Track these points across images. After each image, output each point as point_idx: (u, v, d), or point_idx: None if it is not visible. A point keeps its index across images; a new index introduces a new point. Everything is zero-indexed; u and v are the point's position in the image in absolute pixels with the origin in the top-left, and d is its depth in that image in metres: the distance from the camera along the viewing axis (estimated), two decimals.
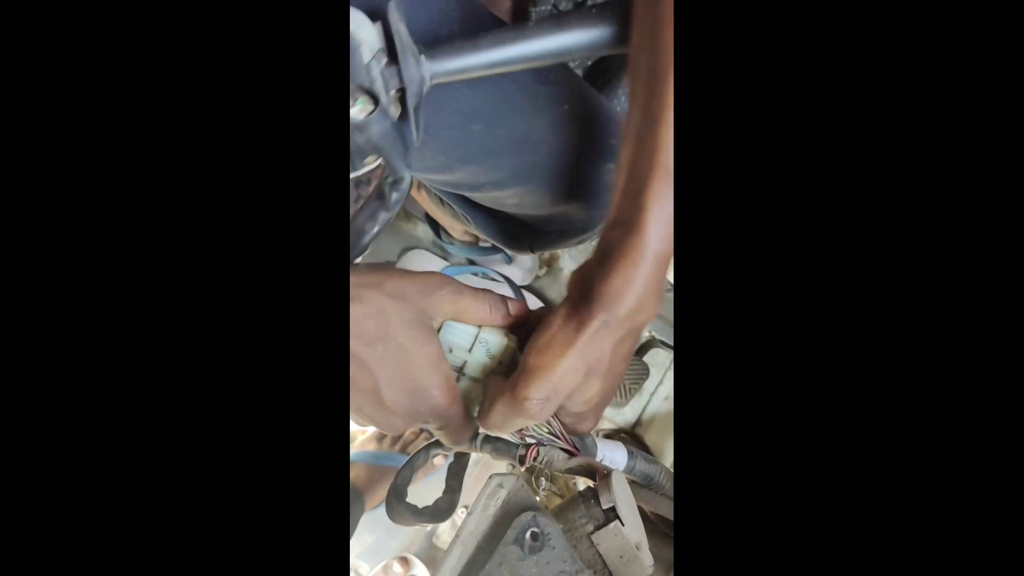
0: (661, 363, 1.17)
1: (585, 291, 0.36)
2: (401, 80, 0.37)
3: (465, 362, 0.41)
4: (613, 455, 0.44)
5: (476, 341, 0.41)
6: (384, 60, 0.36)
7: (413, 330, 0.37)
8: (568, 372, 0.36)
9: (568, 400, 0.38)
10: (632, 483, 0.53)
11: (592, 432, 0.44)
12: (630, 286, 0.34)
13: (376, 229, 0.39)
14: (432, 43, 0.39)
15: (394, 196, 0.38)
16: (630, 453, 0.46)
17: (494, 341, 0.41)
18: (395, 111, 0.39)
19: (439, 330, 0.41)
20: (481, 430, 0.42)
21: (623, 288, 0.34)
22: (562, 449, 0.42)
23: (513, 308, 0.41)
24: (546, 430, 0.41)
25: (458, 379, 0.41)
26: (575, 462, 0.42)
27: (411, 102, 0.38)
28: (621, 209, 0.36)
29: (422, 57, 0.38)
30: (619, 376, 0.40)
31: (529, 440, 0.41)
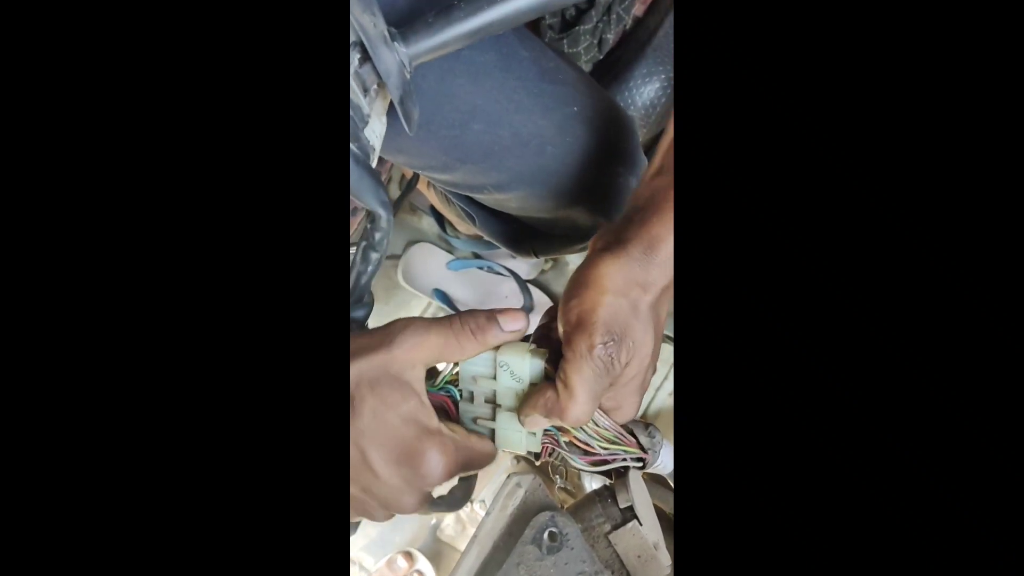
0: (666, 359, 1.17)
1: (619, 236, 0.34)
2: (378, 74, 0.35)
3: (495, 392, 0.38)
4: (668, 460, 0.43)
5: (496, 366, 0.37)
6: (358, 57, 0.34)
7: (383, 389, 0.33)
8: (616, 306, 0.33)
9: (632, 348, 0.34)
10: (659, 482, 0.52)
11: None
12: (671, 234, 0.32)
13: (371, 268, 0.37)
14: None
15: (377, 235, 0.36)
16: None
17: (515, 363, 0.36)
18: (382, 105, 0.38)
19: (446, 374, 0.38)
20: (570, 427, 0.37)
21: (664, 235, 0.33)
22: (636, 459, 0.39)
23: (508, 322, 0.36)
24: (618, 441, 0.38)
25: (494, 412, 0.38)
26: (602, 470, 0.42)
27: (395, 94, 0.36)
28: (669, 158, 0.34)
29: (396, 44, 0.35)
30: (659, 342, 0.36)
31: (601, 454, 0.38)
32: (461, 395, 0.39)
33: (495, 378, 0.37)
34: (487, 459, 0.38)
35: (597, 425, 0.38)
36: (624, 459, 0.39)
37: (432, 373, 0.39)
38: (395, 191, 1.12)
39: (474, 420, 0.39)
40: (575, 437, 0.38)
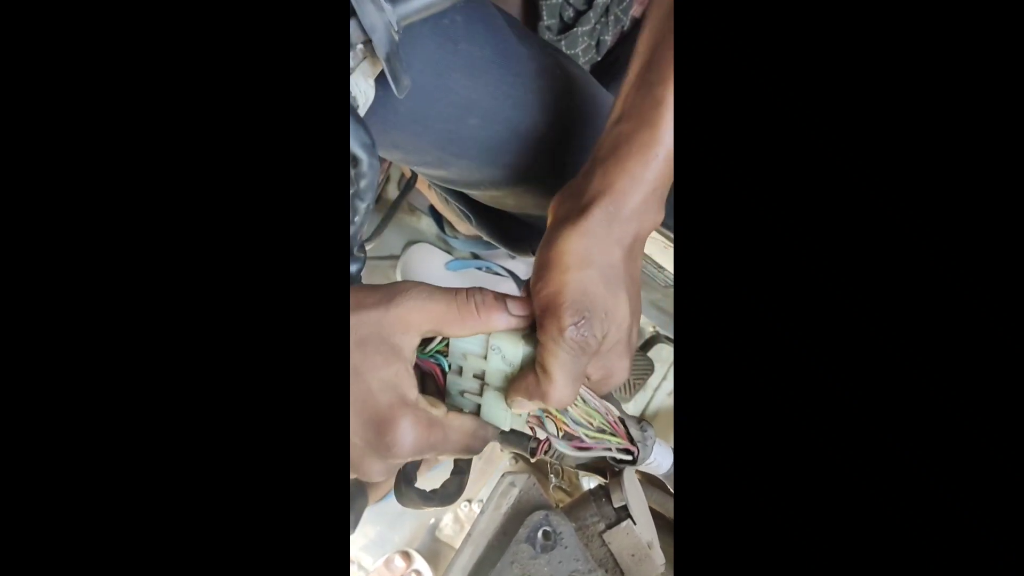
0: (665, 359, 1.17)
1: (579, 201, 0.32)
2: (364, 31, 0.34)
3: (484, 371, 0.37)
4: (662, 459, 0.43)
5: (488, 348, 0.36)
6: None
7: (368, 349, 0.32)
8: (581, 283, 0.32)
9: (605, 320, 0.33)
10: (653, 484, 0.52)
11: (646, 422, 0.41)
12: (636, 184, 0.31)
13: (359, 219, 0.36)
14: None
15: (362, 182, 0.34)
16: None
17: (508, 348, 0.35)
18: (370, 67, 0.37)
19: (436, 344, 0.37)
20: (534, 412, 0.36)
21: (629, 186, 0.31)
22: (623, 451, 0.39)
23: (516, 307, 0.34)
24: (607, 429, 0.38)
25: (481, 388, 0.37)
26: (586, 457, 0.42)
27: (380, 52, 0.35)
28: (630, 102, 0.33)
29: (383, 1, 0.35)
30: (638, 296, 0.35)
31: (586, 442, 0.38)
32: (450, 367, 0.38)
33: (485, 359, 0.36)
34: (463, 441, 0.36)
35: (587, 405, 0.38)
36: (609, 448, 0.38)
37: (424, 342, 0.38)
38: (393, 191, 1.12)
39: (461, 393, 0.38)
40: (563, 422, 0.37)
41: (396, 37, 0.36)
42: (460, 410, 0.37)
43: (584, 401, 0.38)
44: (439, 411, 0.35)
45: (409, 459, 0.34)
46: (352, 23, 0.34)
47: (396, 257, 1.17)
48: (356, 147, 0.33)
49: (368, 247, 0.84)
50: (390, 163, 1.04)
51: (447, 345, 0.38)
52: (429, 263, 1.14)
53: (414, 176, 0.87)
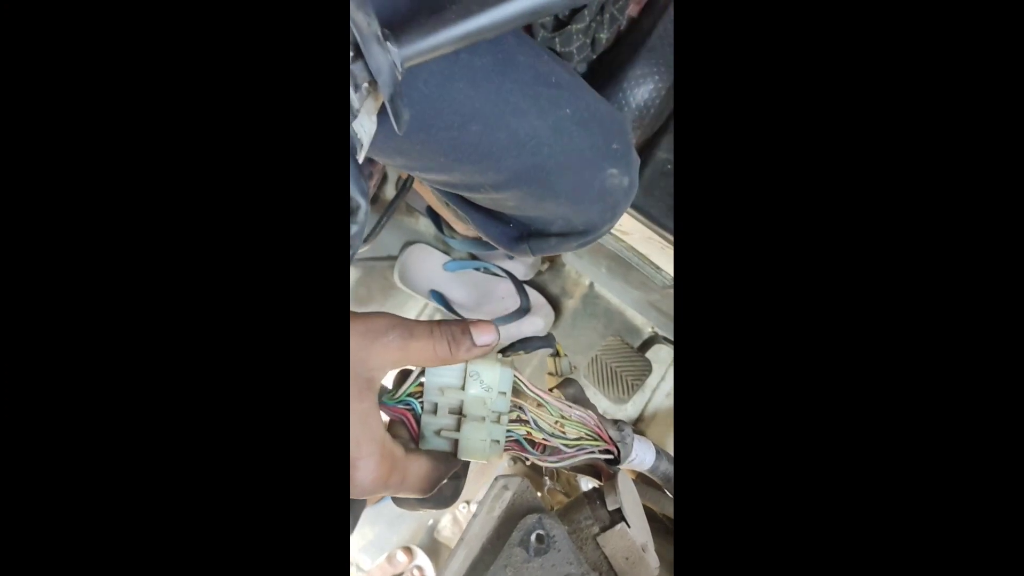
0: (663, 359, 1.17)
1: None
2: (369, 72, 0.35)
3: (462, 402, 0.37)
4: (644, 455, 0.43)
5: (466, 376, 0.37)
6: (351, 54, 0.35)
7: None
8: None
9: None
10: (648, 483, 0.52)
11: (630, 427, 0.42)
12: None
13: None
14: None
15: (354, 228, 0.35)
16: (657, 453, 0.45)
17: (487, 372, 0.36)
18: (373, 104, 0.39)
19: (408, 377, 0.37)
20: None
21: None
22: (604, 451, 0.39)
23: (480, 336, 0.36)
24: (590, 435, 0.39)
25: (458, 423, 0.37)
26: (581, 460, 0.42)
27: (385, 93, 0.36)
28: None
29: (388, 43, 0.36)
30: None
31: (566, 452, 0.38)
32: (423, 407, 0.38)
33: (463, 388, 0.37)
34: (418, 485, 0.36)
35: (570, 419, 0.38)
36: (592, 452, 0.39)
37: (396, 383, 0.38)
38: (391, 192, 1.12)
39: (437, 432, 0.38)
40: (541, 440, 0.38)
41: (400, 77, 0.37)
42: (433, 452, 0.38)
43: (566, 417, 0.38)
44: (399, 451, 0.35)
45: (362, 498, 0.34)
46: (358, 64, 0.35)
47: (394, 258, 1.17)
48: (355, 192, 0.34)
49: (364, 248, 0.84)
50: (383, 164, 1.04)
51: (420, 385, 0.37)
52: (427, 264, 1.15)
53: (411, 177, 0.87)
